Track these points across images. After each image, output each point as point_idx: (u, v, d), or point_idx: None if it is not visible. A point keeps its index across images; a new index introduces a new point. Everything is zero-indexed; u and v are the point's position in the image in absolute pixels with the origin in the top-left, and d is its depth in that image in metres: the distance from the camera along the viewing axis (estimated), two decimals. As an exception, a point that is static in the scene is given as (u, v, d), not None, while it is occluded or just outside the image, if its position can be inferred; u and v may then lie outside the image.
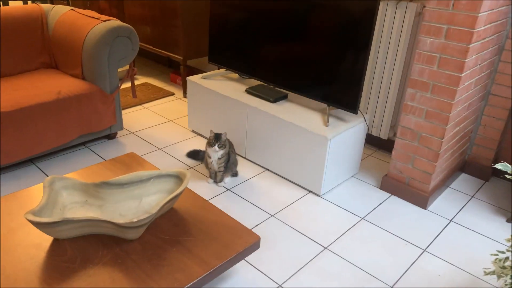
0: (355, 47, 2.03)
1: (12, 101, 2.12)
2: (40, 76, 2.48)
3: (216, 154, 2.13)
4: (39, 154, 2.30)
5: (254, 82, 2.68)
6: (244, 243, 1.50)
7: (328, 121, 2.14)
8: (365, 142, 2.80)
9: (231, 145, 2.23)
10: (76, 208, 1.57)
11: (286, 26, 2.27)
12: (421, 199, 2.16)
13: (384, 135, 2.59)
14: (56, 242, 1.45)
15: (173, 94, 3.45)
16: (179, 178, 1.66)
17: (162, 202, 1.46)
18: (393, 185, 2.25)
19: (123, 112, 3.09)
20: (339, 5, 2.03)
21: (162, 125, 2.91)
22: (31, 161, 2.38)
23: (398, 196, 2.24)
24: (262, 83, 2.59)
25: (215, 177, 2.25)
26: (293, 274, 1.69)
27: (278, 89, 2.51)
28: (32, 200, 1.63)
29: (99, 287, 1.26)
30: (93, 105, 2.40)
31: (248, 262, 1.74)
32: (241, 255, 1.47)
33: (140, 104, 3.24)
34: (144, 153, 2.54)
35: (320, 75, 2.21)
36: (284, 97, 2.45)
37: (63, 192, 1.57)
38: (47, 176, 2.24)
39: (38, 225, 1.34)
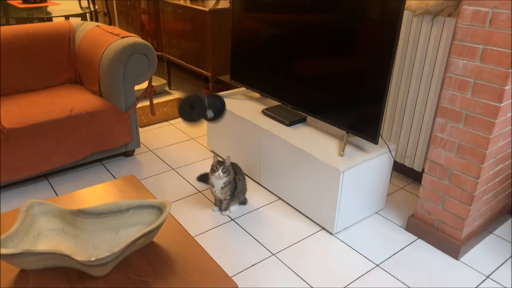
0: (376, 65, 1.78)
1: (24, 117, 2.13)
2: (61, 92, 2.49)
3: (219, 181, 1.97)
4: (51, 171, 2.30)
5: (275, 103, 2.50)
6: (217, 292, 1.32)
7: (343, 151, 1.90)
8: (398, 173, 2.50)
9: (237, 171, 2.06)
10: (52, 236, 1.49)
11: (306, 45, 2.07)
12: (452, 247, 1.83)
13: (418, 166, 2.27)
14: (22, 273, 1.37)
15: (202, 110, 3.36)
16: (161, 210, 1.53)
17: (130, 239, 1.33)
18: (420, 228, 1.94)
19: (147, 128, 3.05)
20: (361, 20, 1.80)
21: (183, 143, 2.82)
22: (45, 176, 2.38)
23: (426, 241, 1.93)
24: (281, 103, 2.40)
25: (220, 205, 2.09)
26: (281, 329, 1.48)
27: (297, 111, 2.31)
28: (11, 225, 1.58)
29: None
30: (107, 122, 2.36)
31: (233, 309, 1.55)
32: (212, 307, 1.30)
33: (167, 121, 3.18)
34: (156, 173, 2.45)
35: (339, 97, 1.98)
36: (302, 121, 2.24)
37: (41, 218, 1.50)
38: (56, 193, 2.23)
39: (-1, 256, 1.27)
